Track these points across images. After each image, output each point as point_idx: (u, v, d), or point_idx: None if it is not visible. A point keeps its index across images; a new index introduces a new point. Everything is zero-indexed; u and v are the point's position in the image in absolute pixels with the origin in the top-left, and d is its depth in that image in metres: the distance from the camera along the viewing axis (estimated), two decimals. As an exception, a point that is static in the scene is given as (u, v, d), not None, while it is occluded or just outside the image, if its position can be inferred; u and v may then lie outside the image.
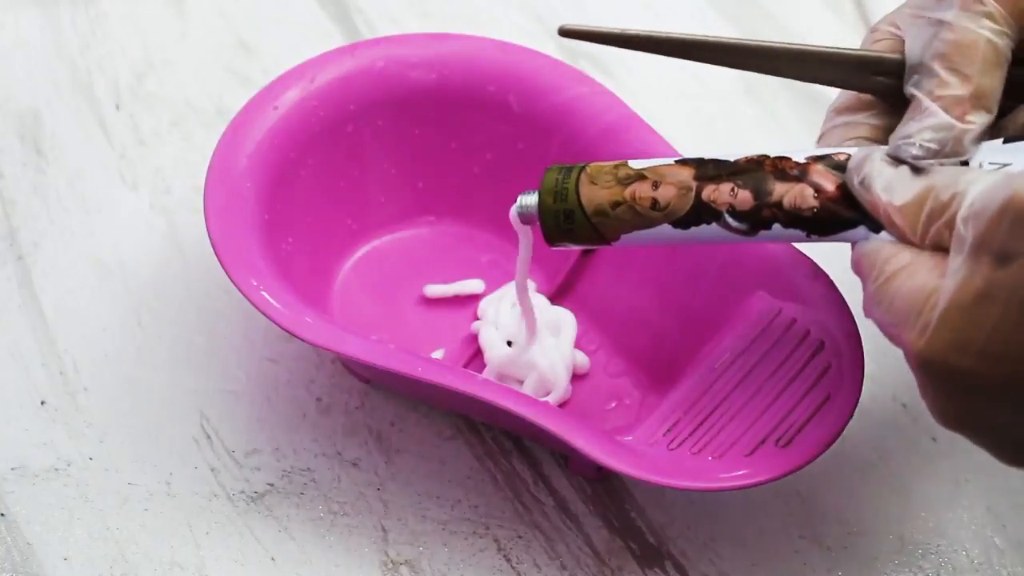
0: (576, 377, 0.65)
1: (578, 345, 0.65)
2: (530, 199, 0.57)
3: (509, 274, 0.67)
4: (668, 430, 0.59)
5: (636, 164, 0.55)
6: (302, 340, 0.58)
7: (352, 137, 0.67)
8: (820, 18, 0.79)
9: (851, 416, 0.57)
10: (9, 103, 0.75)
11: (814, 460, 0.56)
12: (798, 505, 0.62)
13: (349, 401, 0.65)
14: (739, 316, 0.61)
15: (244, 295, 0.59)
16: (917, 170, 0.49)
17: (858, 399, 0.57)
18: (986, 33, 0.50)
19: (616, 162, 0.55)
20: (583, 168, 0.56)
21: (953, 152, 0.50)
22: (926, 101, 0.50)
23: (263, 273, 0.60)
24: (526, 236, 0.60)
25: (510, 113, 0.66)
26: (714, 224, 0.53)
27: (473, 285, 0.67)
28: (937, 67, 0.50)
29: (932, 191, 0.48)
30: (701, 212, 0.53)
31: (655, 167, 0.54)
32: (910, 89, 0.51)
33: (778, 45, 0.55)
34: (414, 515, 0.62)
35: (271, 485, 0.62)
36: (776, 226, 0.52)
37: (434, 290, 0.67)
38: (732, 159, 0.54)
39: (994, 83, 0.50)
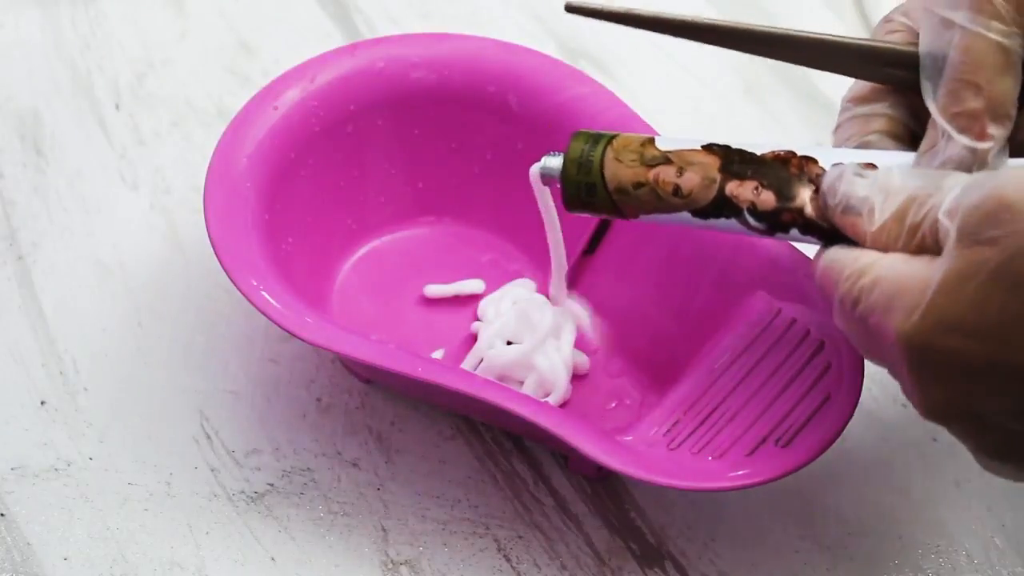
0: (576, 377, 0.65)
1: (578, 345, 0.65)
2: (554, 161, 0.57)
3: (509, 274, 0.67)
4: (668, 430, 0.59)
5: (663, 145, 0.54)
6: (302, 340, 0.58)
7: (352, 137, 0.67)
8: (820, 17, 0.79)
9: (851, 416, 0.57)
10: (9, 103, 0.75)
11: (814, 460, 0.56)
12: (798, 505, 0.62)
13: (349, 401, 0.65)
14: (739, 316, 0.61)
15: (244, 295, 0.59)
16: (898, 177, 0.49)
17: (858, 399, 0.57)
18: (995, 37, 0.50)
19: (644, 138, 0.55)
20: (610, 141, 0.55)
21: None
22: (943, 123, 0.50)
23: (263, 273, 0.60)
24: (544, 196, 0.60)
25: (510, 113, 0.66)
26: (733, 219, 0.53)
27: (473, 285, 0.67)
28: (949, 79, 0.50)
29: (913, 203, 0.48)
30: (722, 206, 0.53)
31: (681, 152, 0.54)
32: (927, 100, 0.51)
33: (791, 33, 0.54)
34: (414, 515, 0.62)
35: (271, 485, 0.62)
36: (794, 231, 0.52)
37: (434, 290, 0.67)
38: (759, 152, 0.53)
39: (1008, 88, 0.50)
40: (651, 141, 0.55)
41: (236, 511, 0.62)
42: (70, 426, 0.64)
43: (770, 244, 0.60)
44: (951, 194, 0.46)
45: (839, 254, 0.50)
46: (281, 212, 0.64)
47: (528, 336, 0.64)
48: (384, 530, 0.61)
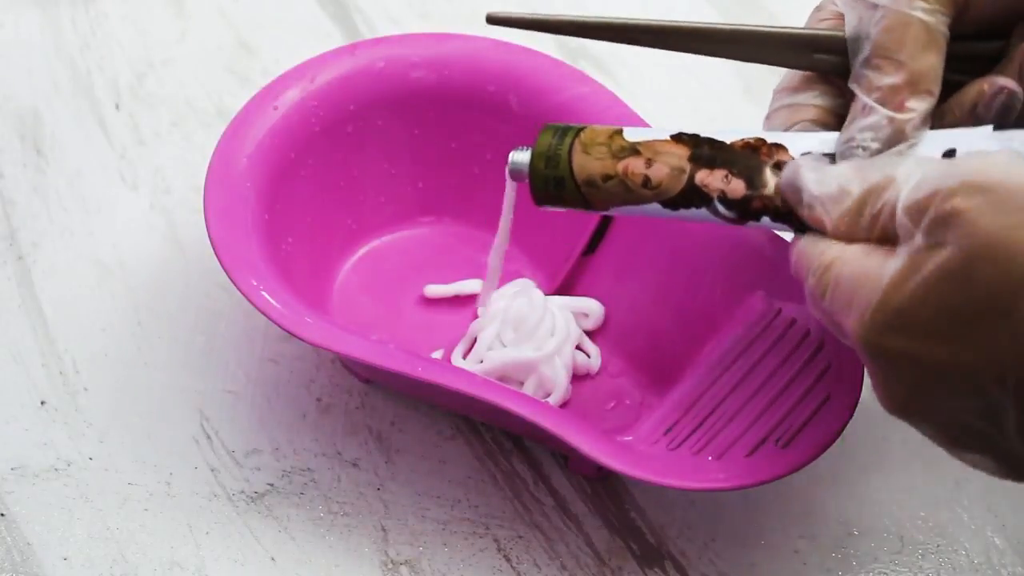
0: (576, 377, 0.65)
1: (577, 345, 0.65)
2: (522, 156, 0.56)
3: (509, 274, 0.67)
4: (668, 430, 0.59)
5: (631, 136, 0.54)
6: (302, 340, 0.58)
7: (352, 137, 0.67)
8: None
9: (851, 416, 0.57)
10: (9, 103, 0.75)
11: (814, 460, 0.56)
12: (798, 505, 0.62)
13: (349, 401, 0.65)
14: (739, 316, 0.61)
15: (244, 295, 0.59)
16: (851, 170, 0.49)
17: (858, 399, 0.57)
18: (918, 14, 0.50)
19: (612, 130, 0.54)
20: (578, 133, 0.55)
21: (897, 143, 0.50)
22: (863, 97, 0.50)
23: (263, 273, 0.60)
24: (511, 192, 0.59)
25: (510, 113, 0.66)
26: (703, 208, 0.53)
27: (473, 285, 0.67)
28: (871, 56, 0.50)
29: (870, 195, 0.48)
30: (692, 196, 0.53)
31: (650, 142, 0.53)
32: (851, 85, 0.51)
33: (716, 26, 0.54)
34: (414, 515, 0.62)
35: (271, 485, 0.62)
36: (765, 219, 0.52)
37: (434, 290, 0.67)
38: (728, 140, 0.53)
39: (930, 64, 0.50)
40: (619, 132, 0.54)
41: (236, 511, 0.62)
42: (70, 426, 0.64)
43: (770, 244, 0.60)
44: (907, 187, 0.46)
45: (807, 246, 0.49)
46: (281, 212, 0.64)
47: (529, 337, 0.64)
48: (384, 530, 0.61)
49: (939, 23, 0.50)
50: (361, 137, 0.67)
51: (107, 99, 0.75)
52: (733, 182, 0.52)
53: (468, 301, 0.67)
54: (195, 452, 0.63)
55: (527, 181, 0.56)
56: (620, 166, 0.54)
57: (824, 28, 0.54)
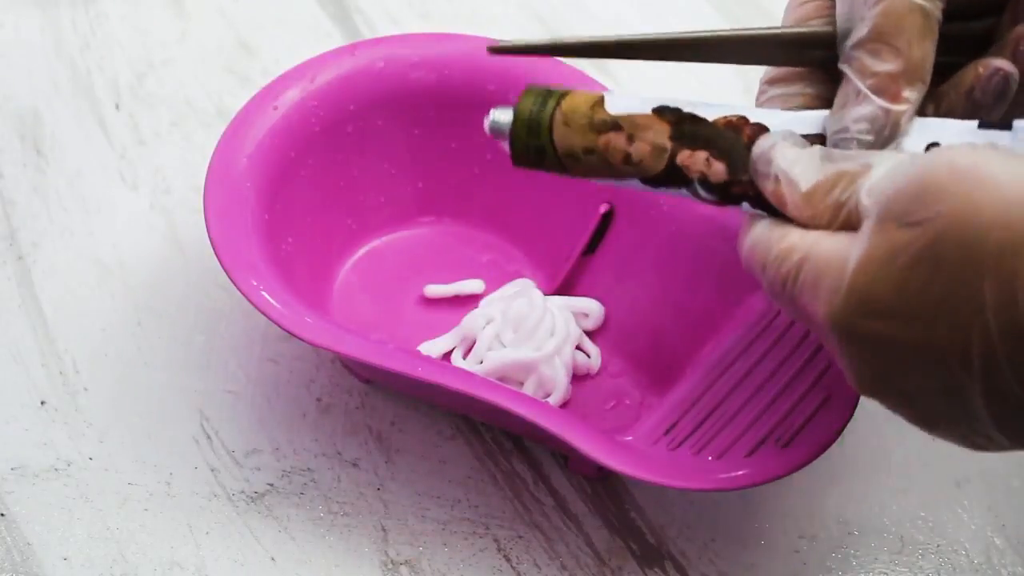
0: (576, 377, 0.65)
1: (577, 345, 0.65)
2: (503, 117, 0.54)
3: (509, 274, 0.67)
4: (668, 430, 0.59)
5: (613, 108, 0.53)
6: (302, 340, 0.58)
7: (352, 137, 0.67)
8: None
9: (851, 416, 0.57)
10: (9, 103, 0.75)
11: (814, 460, 0.56)
12: (798, 505, 0.62)
13: (349, 401, 0.65)
14: (739, 316, 0.61)
15: (244, 295, 0.59)
16: (828, 153, 0.49)
17: (858, 399, 0.57)
18: (917, 0, 0.50)
19: (593, 99, 0.53)
20: (559, 100, 0.53)
21: (891, 135, 0.50)
22: (858, 82, 0.50)
23: (263, 273, 0.60)
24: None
25: (510, 113, 0.66)
26: (683, 188, 0.52)
27: (473, 285, 0.67)
28: (868, 40, 0.50)
29: (841, 179, 0.47)
30: (673, 176, 0.52)
31: (632, 117, 0.52)
32: (842, 66, 0.51)
33: (708, 34, 0.53)
34: (414, 515, 0.62)
35: (271, 485, 0.62)
36: (745, 204, 0.51)
37: (434, 290, 0.67)
38: (711, 117, 0.52)
39: (926, 52, 0.50)
40: (600, 102, 0.53)
41: (236, 511, 0.62)
42: (70, 426, 0.64)
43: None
44: (876, 173, 0.46)
45: (765, 232, 0.49)
46: (281, 212, 0.64)
47: (528, 337, 0.64)
48: (384, 530, 0.61)
49: (935, 9, 0.50)
50: (361, 137, 0.67)
51: (107, 99, 0.75)
52: (715, 165, 0.51)
53: (468, 301, 0.67)
54: (195, 452, 0.63)
55: (507, 142, 0.54)
56: (601, 140, 0.53)
57: (813, 24, 0.53)
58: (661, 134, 0.52)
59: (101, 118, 0.74)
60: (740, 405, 0.58)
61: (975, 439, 0.47)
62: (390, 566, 0.60)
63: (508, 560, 0.61)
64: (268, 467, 0.63)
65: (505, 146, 0.54)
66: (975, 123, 0.49)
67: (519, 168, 0.55)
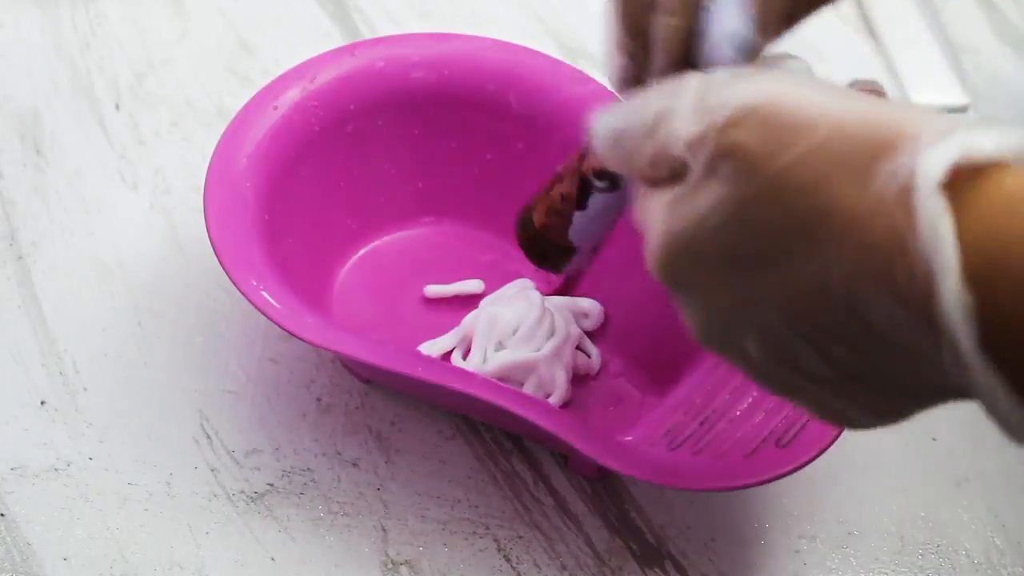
0: (576, 377, 0.64)
1: (577, 345, 0.65)
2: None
3: (509, 274, 0.67)
4: (668, 430, 0.59)
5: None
6: (302, 340, 0.58)
7: (352, 137, 0.67)
8: (821, 15, 0.79)
9: (851, 416, 0.57)
10: (9, 103, 0.75)
11: (814, 460, 0.56)
12: (798, 505, 0.62)
13: (349, 401, 0.65)
14: (739, 316, 0.61)
15: (244, 295, 0.59)
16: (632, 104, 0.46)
17: (858, 399, 0.57)
18: None
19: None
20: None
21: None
22: None
23: (263, 273, 0.60)
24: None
25: (510, 113, 0.66)
26: (595, 194, 0.52)
27: (473, 285, 0.67)
28: None
29: (656, 130, 0.44)
30: (584, 188, 0.52)
31: (568, 160, 0.53)
32: None
33: None
34: (414, 515, 0.62)
35: (271, 485, 0.62)
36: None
37: (434, 290, 0.67)
38: None
39: None
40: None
41: (236, 511, 0.62)
42: (70, 426, 0.64)
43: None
44: (684, 118, 0.43)
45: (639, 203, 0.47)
46: (281, 212, 0.64)
47: (528, 338, 0.64)
48: (384, 530, 0.61)
49: None
50: (361, 137, 0.67)
51: (107, 99, 0.75)
52: (590, 159, 0.51)
53: (468, 301, 0.67)
54: (195, 452, 0.63)
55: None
56: (552, 195, 0.53)
57: None
58: (574, 159, 0.52)
59: (101, 118, 0.74)
60: (740, 405, 0.58)
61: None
62: (390, 566, 0.60)
63: (508, 560, 0.61)
64: (268, 467, 0.63)
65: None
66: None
67: (542, 268, 0.55)
